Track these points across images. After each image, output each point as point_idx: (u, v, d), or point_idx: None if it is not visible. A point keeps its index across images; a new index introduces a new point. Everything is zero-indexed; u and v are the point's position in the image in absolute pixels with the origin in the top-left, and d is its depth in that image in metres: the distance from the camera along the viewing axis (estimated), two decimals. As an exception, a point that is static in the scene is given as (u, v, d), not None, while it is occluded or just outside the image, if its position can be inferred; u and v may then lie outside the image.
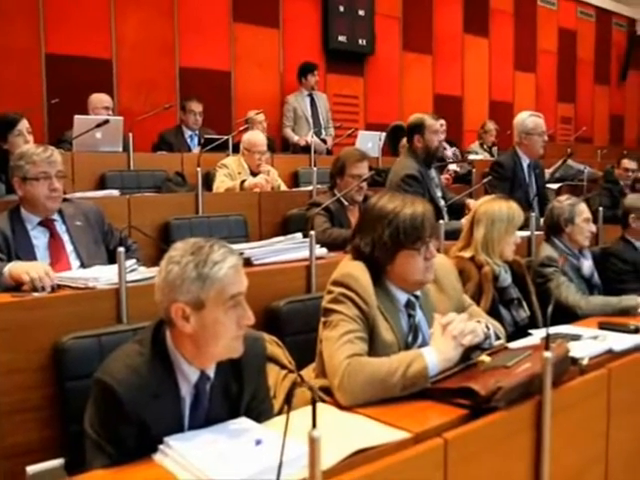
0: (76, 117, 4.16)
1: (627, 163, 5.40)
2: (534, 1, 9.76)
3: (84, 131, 4.03)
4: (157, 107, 4.89)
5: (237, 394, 1.54)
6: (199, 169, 3.60)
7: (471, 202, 3.64)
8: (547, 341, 1.59)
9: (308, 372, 1.96)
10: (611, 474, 1.87)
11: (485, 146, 7.11)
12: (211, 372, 1.49)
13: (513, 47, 9.40)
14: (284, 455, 1.19)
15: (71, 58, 5.16)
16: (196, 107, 5.26)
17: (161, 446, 1.37)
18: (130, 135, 4.31)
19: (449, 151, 6.53)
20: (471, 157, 6.32)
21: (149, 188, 4.02)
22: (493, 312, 2.45)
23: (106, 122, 4.08)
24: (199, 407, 1.48)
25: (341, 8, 6.99)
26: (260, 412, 1.58)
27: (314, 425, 1.10)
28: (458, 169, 5.70)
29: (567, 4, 10.32)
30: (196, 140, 5.27)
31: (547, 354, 1.57)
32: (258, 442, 1.35)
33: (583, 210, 3.02)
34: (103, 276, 2.07)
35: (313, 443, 1.10)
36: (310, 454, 1.11)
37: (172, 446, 1.36)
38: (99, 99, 4.67)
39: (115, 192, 3.49)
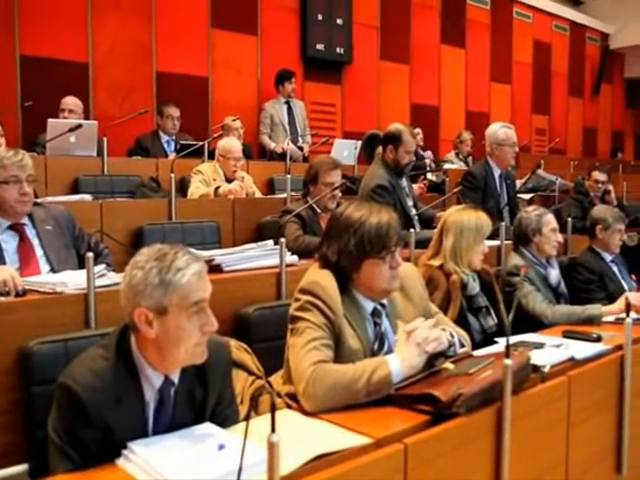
0: (49, 120, 4.13)
1: (597, 175, 5.49)
2: (510, 13, 9.93)
3: (57, 135, 4.00)
4: (133, 112, 4.88)
5: (202, 399, 1.55)
6: (172, 175, 3.60)
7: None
8: (507, 349, 1.63)
9: (276, 378, 1.97)
10: (571, 478, 1.92)
11: (461, 156, 7.20)
12: (175, 377, 1.50)
13: (489, 58, 9.56)
14: (245, 460, 1.21)
15: (46, 60, 5.12)
16: (174, 112, 5.27)
17: (124, 451, 1.38)
18: (105, 139, 4.30)
19: (428, 159, 6.62)
20: (446, 166, 6.39)
21: (123, 193, 4.00)
22: (461, 320, 2.49)
23: (79, 126, 4.06)
24: (163, 412, 1.49)
25: (319, 16, 7.05)
26: (225, 417, 1.59)
27: (273, 430, 1.12)
28: (434, 178, 5.78)
29: (542, 17, 10.52)
30: (173, 145, 5.26)
31: (507, 362, 1.61)
32: (221, 447, 1.36)
33: (550, 220, 3.08)
34: (71, 281, 2.07)
35: (272, 448, 1.12)
36: (269, 458, 1.13)
37: (135, 451, 1.37)
38: (63, 102, 4.64)
39: (87, 197, 3.48)
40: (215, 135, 4.43)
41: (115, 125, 4.59)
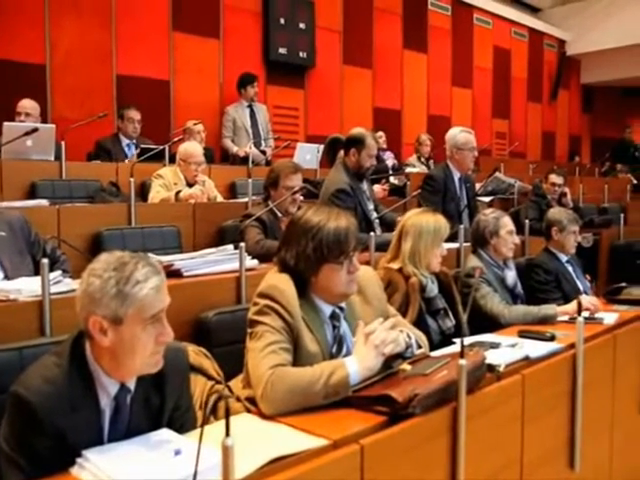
0: (5, 124, 4.04)
1: (554, 178, 5.62)
2: (470, 20, 10.11)
3: (13, 138, 3.92)
4: (92, 115, 4.81)
5: (159, 406, 1.54)
6: (132, 179, 3.56)
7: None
8: (462, 349, 1.66)
9: (236, 383, 1.97)
10: (526, 474, 1.96)
11: (422, 159, 7.29)
12: (131, 384, 1.48)
13: (450, 63, 9.70)
14: (200, 464, 1.21)
15: (2, 62, 5.01)
16: (135, 115, 5.21)
17: (79, 459, 1.36)
18: (62, 143, 4.22)
19: (390, 161, 6.69)
20: (408, 170, 6.47)
21: (82, 198, 3.94)
22: (420, 322, 2.53)
23: (35, 130, 3.98)
24: (119, 419, 1.48)
25: (282, 20, 7.06)
26: (183, 423, 1.58)
27: (227, 434, 1.12)
28: (396, 181, 5.84)
29: (502, 24, 10.73)
30: (133, 149, 5.20)
31: (462, 362, 1.65)
32: (177, 453, 1.36)
33: (507, 223, 3.14)
34: (26, 288, 2.03)
35: (226, 451, 1.12)
36: (223, 462, 1.13)
37: (90, 459, 1.35)
38: (20, 105, 4.54)
39: (44, 202, 3.40)
40: (176, 139, 4.40)
41: (74, 129, 4.51)
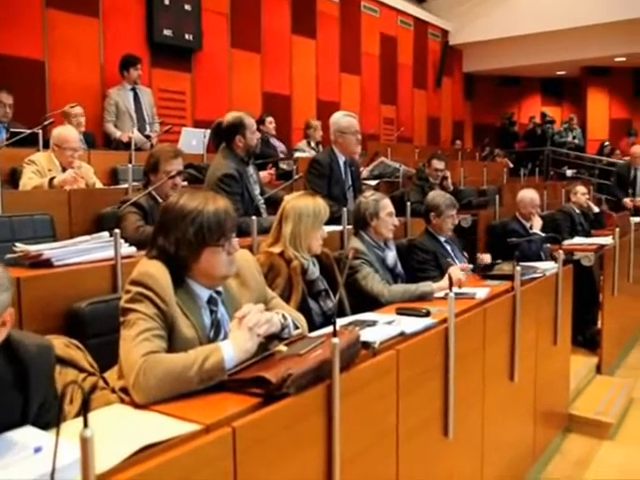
0: None
1: (436, 163, 5.86)
2: (358, 7, 10.27)
3: None
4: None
5: (23, 404, 1.46)
6: (-3, 165, 3.34)
7: None
8: (334, 328, 1.70)
9: (112, 374, 1.91)
10: (401, 444, 2.05)
11: (312, 144, 7.36)
12: None
13: (339, 49, 9.82)
14: (61, 460, 1.16)
15: None
16: (6, 99, 4.88)
17: None
18: None
19: (279, 148, 6.70)
20: (297, 155, 6.51)
21: (-58, 186, 3.63)
22: (302, 304, 2.56)
23: None
24: None
25: (166, 1, 6.84)
26: (48, 421, 1.51)
27: (85, 425, 1.08)
28: (285, 166, 5.86)
29: (388, 12, 11.00)
30: (4, 133, 4.87)
31: (335, 340, 1.68)
32: (37, 450, 1.29)
33: (387, 205, 3.24)
34: None
35: (85, 444, 1.08)
36: (82, 456, 1.08)
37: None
38: None
39: None
40: (47, 122, 4.15)
41: None
